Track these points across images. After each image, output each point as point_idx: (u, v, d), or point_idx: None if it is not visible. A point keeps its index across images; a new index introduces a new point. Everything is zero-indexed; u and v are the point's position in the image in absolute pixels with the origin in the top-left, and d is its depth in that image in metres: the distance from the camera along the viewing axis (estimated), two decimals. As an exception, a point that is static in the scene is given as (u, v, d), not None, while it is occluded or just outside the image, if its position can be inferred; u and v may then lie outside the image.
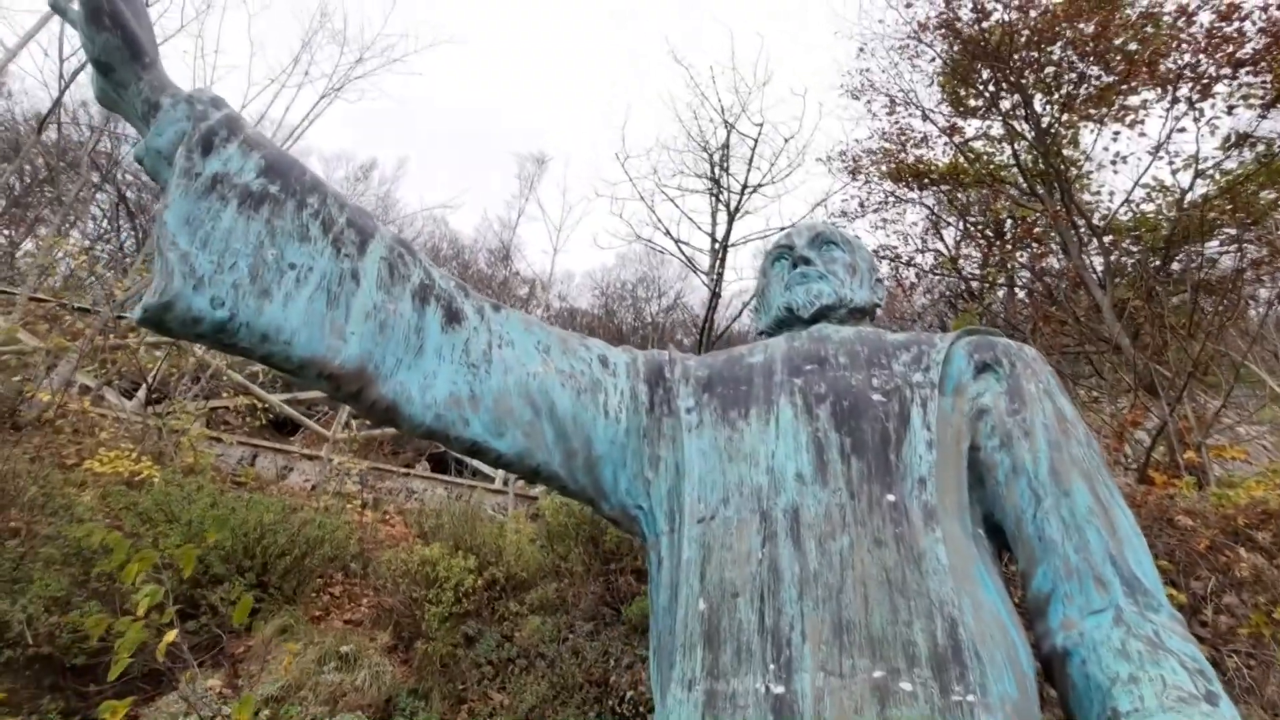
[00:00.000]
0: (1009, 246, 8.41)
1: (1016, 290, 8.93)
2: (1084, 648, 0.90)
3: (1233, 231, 6.56)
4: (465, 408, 1.06)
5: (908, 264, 8.95)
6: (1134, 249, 7.32)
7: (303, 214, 0.99)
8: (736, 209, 9.33)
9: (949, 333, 1.24)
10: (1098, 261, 7.15)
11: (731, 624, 0.94)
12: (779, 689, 0.87)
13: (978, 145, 8.33)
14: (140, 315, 0.86)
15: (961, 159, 8.17)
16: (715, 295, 9.16)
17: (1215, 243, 6.80)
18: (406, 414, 1.01)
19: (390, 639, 3.89)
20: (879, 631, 0.88)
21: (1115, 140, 7.03)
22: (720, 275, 9.44)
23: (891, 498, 0.99)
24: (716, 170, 9.73)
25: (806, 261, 1.35)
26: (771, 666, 0.89)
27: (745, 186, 9.33)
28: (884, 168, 8.50)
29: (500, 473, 7.69)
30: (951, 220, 9.42)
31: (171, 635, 2.01)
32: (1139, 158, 6.84)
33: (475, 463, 8.13)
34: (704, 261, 10.26)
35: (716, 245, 9.85)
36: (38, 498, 3.85)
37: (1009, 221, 8.69)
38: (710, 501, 1.08)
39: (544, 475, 1.17)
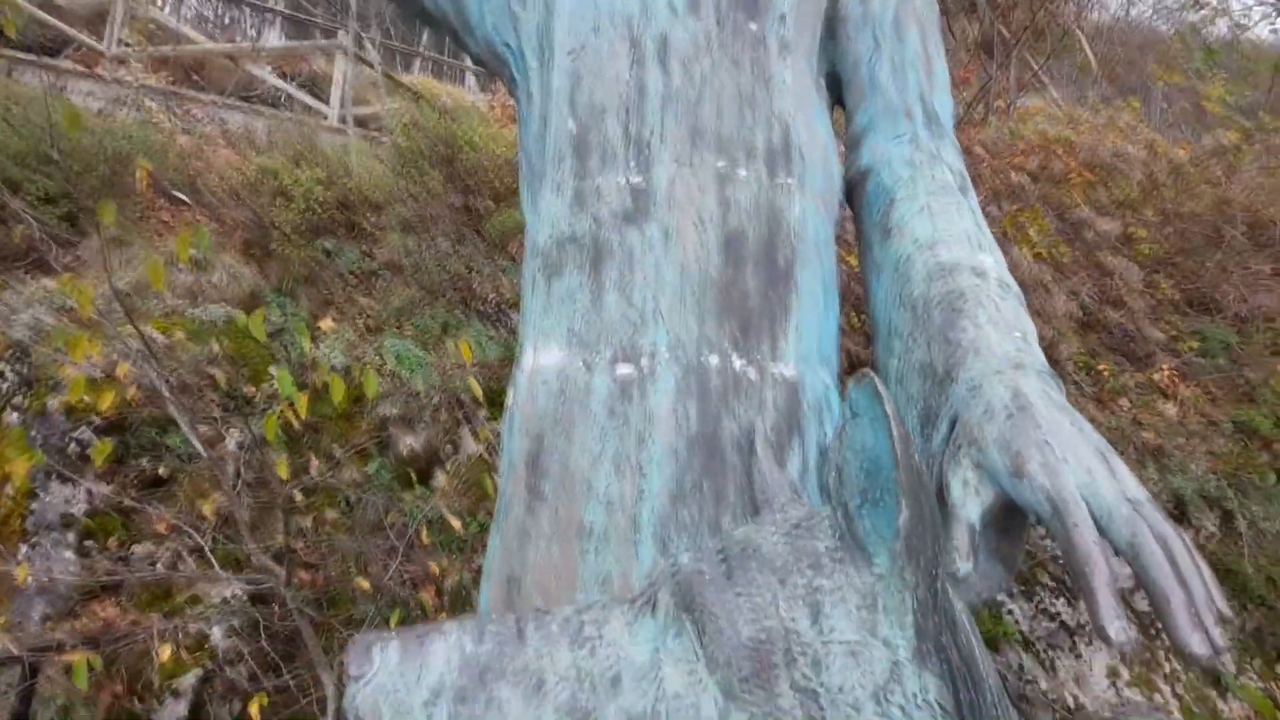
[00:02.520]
0: None
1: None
2: (881, 162, 1.14)
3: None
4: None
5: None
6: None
7: None
8: None
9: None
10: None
11: (599, 137, 1.08)
12: (638, 179, 1.05)
13: None
14: None
15: None
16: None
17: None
18: None
19: (240, 253, 3.84)
20: (726, 135, 1.05)
21: None
22: None
23: (754, 27, 1.10)
24: None
25: None
26: (633, 164, 1.05)
27: None
28: None
29: (336, 107, 6.86)
30: None
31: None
32: None
33: (305, 98, 7.15)
34: None
35: None
36: None
37: None
38: (580, 32, 1.13)
39: None
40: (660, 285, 1.03)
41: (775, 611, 0.43)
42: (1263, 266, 3.55)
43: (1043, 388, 0.79)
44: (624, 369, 1.00)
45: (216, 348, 2.76)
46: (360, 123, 6.94)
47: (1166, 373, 2.94)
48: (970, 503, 0.75)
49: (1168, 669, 2.35)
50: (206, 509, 1.96)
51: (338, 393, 1.48)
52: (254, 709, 1.57)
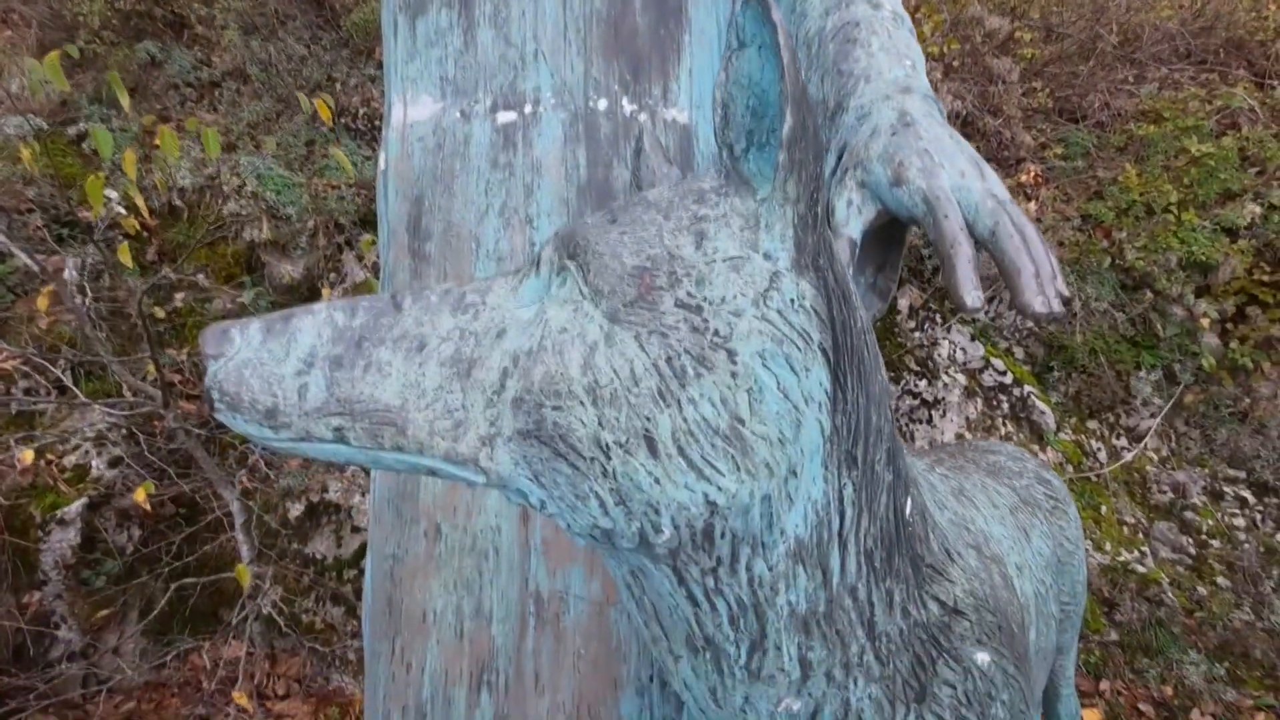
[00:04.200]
0: None
1: None
2: None
3: None
4: None
5: None
6: None
7: None
8: None
9: None
10: None
11: None
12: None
13: None
14: None
15: None
16: None
17: None
18: None
19: (38, 57, 3.16)
20: None
21: None
22: None
23: None
24: None
25: None
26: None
27: None
28: None
29: None
30: None
31: None
32: None
33: None
34: None
35: None
36: None
37: None
38: None
39: None
40: (540, 21, 0.93)
41: (659, 241, 0.42)
42: (1128, 74, 3.73)
43: (927, 109, 0.80)
44: (506, 116, 0.92)
45: (29, 166, 2.34)
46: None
47: (1031, 175, 3.14)
48: (853, 221, 0.77)
49: (1002, 431, 2.76)
50: (56, 339, 1.76)
51: (171, 147, 1.29)
52: (139, 496, 1.53)
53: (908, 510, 0.55)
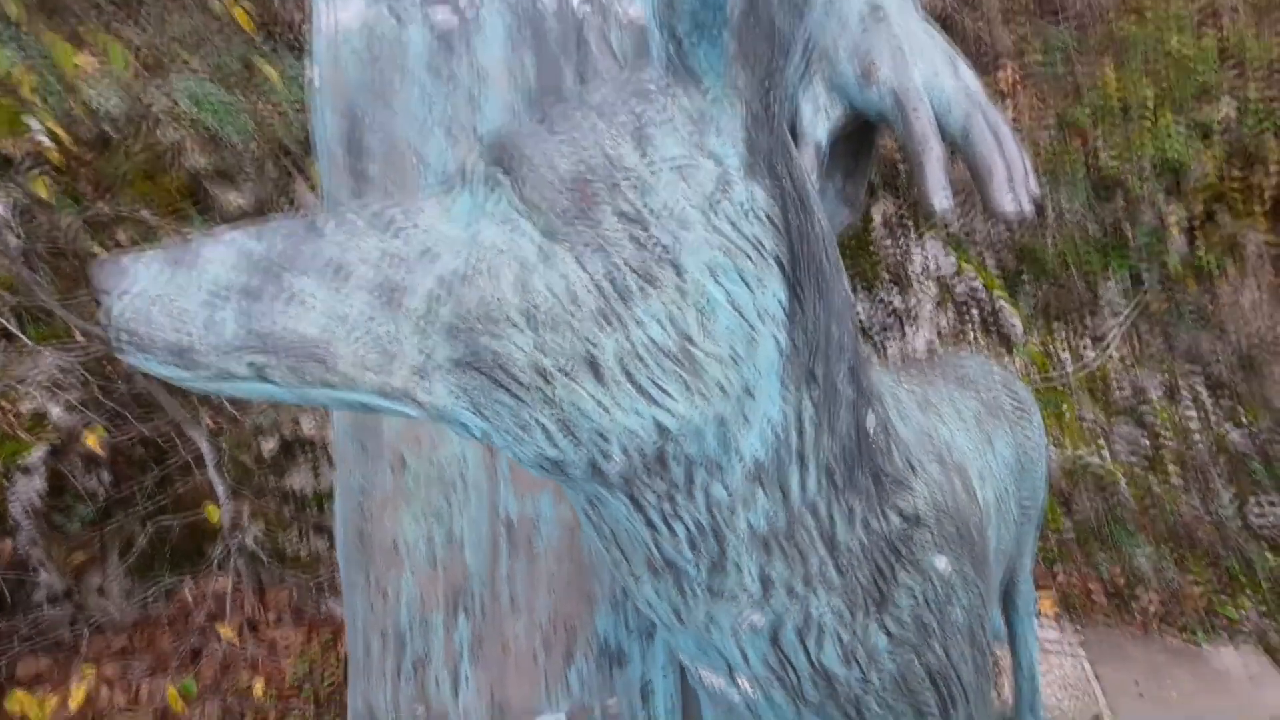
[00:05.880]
0: None
1: None
2: None
3: None
4: None
5: None
6: None
7: None
8: None
9: None
10: None
11: None
12: None
13: None
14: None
15: None
16: None
17: None
18: None
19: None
20: None
21: None
22: None
23: None
24: None
25: None
26: None
27: None
28: None
29: None
30: None
31: None
32: None
33: None
34: None
35: None
36: None
37: None
38: None
39: None
40: (475, -98, 0.83)
41: (598, 146, 0.39)
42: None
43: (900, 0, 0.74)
44: (442, 15, 0.84)
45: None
46: None
47: (1008, 73, 3.05)
48: (820, 123, 0.73)
49: (972, 340, 2.80)
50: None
51: (66, 59, 1.17)
52: (91, 441, 1.50)
53: (870, 425, 0.54)
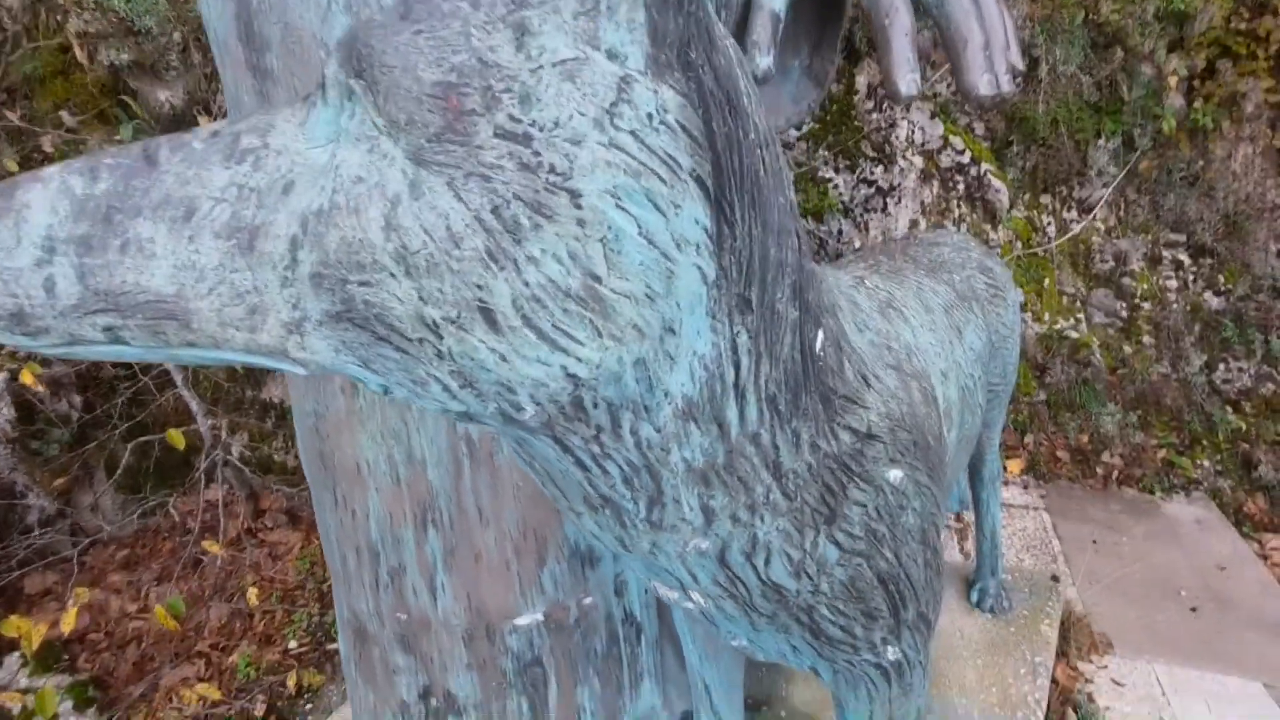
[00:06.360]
0: None
1: None
2: None
3: None
4: None
5: None
6: None
7: None
8: None
9: None
10: None
11: None
12: None
13: None
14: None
15: None
16: None
17: None
18: None
19: None
20: None
21: None
22: None
23: None
24: None
25: None
26: None
27: None
28: None
29: None
30: None
31: None
32: None
33: None
34: None
35: None
36: None
37: None
38: None
39: None
40: None
41: (466, 43, 0.31)
42: None
43: None
44: None
45: None
46: None
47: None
48: None
49: (956, 214, 2.71)
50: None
51: None
52: (26, 379, 1.46)
53: (818, 345, 0.51)
